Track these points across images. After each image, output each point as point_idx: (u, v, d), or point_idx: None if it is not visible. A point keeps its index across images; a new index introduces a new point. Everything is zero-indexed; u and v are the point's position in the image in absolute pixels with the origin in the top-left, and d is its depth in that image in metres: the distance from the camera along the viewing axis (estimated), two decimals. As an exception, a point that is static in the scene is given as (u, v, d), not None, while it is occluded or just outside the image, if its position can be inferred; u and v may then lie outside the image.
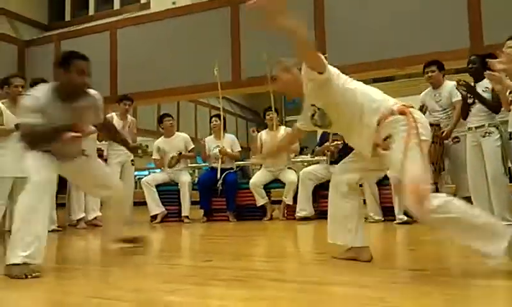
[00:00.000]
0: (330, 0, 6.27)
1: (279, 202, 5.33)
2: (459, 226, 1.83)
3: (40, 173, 2.26)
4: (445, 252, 2.84)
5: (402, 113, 1.98)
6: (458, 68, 5.01)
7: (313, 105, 2.21)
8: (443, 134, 4.23)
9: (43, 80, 4.61)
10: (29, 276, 2.07)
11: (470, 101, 3.79)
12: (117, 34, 7.79)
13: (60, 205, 5.03)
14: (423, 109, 4.59)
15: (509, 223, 3.48)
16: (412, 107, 2.08)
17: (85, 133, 2.41)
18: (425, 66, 4.49)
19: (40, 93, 2.37)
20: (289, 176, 5.11)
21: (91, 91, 2.52)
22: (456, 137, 4.27)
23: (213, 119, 5.68)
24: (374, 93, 2.13)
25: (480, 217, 1.88)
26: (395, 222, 4.21)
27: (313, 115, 2.23)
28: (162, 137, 5.68)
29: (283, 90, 2.35)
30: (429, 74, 4.44)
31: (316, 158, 5.91)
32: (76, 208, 4.86)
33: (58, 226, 4.63)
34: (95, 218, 4.99)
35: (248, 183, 5.31)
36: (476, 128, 3.74)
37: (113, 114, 5.40)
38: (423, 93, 4.65)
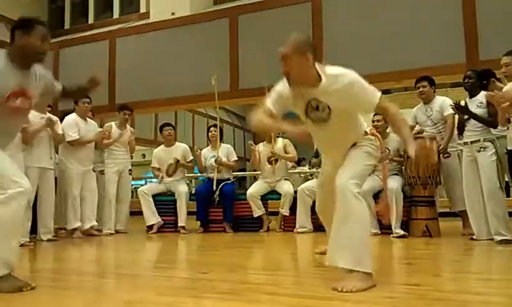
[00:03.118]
0: (328, 13, 6.33)
1: (276, 213, 5.32)
2: None
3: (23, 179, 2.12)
4: (442, 267, 2.84)
5: (372, 134, 2.30)
6: (454, 83, 5.06)
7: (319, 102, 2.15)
8: (440, 148, 4.27)
9: None
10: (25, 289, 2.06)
11: (465, 116, 3.83)
12: (116, 43, 7.82)
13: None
14: (413, 125, 4.64)
15: (504, 238, 3.49)
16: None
17: (32, 104, 2.21)
18: (417, 82, 4.58)
19: None
20: (285, 187, 5.12)
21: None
22: (447, 152, 4.31)
23: (211, 128, 5.70)
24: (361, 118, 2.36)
25: None
26: (391, 235, 4.21)
27: (317, 107, 2.17)
28: (162, 146, 5.69)
29: (290, 72, 2.12)
30: (421, 89, 4.52)
31: (313, 170, 5.93)
32: (72, 218, 4.83)
33: (53, 236, 4.60)
34: (91, 227, 4.97)
35: (245, 193, 5.31)
36: (471, 142, 3.77)
37: (112, 123, 5.42)
38: (415, 107, 4.72)
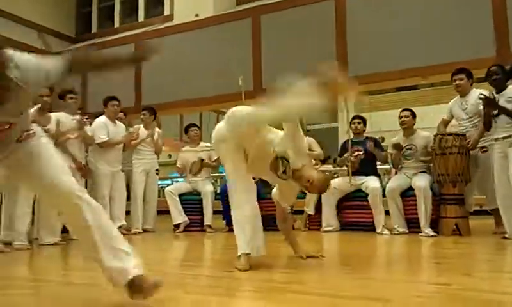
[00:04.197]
0: (352, 10, 6.26)
1: (301, 212, 5.31)
2: None
3: None
4: (472, 266, 2.78)
5: None
6: (483, 77, 4.91)
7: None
8: (469, 144, 4.15)
9: (70, 91, 4.77)
10: None
11: (494, 112, 3.72)
12: (141, 46, 7.95)
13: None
14: (448, 119, 4.54)
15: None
16: None
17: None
18: (454, 74, 4.43)
19: None
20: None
21: None
22: (484, 147, 4.16)
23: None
24: None
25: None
26: (420, 234, 4.14)
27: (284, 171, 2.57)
28: (188, 146, 5.77)
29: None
30: (457, 82, 4.37)
31: (338, 168, 5.89)
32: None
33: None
34: (120, 227, 5.08)
35: (270, 192, 5.30)
36: (503, 138, 3.66)
37: (141, 125, 5.57)
38: (451, 101, 4.58)
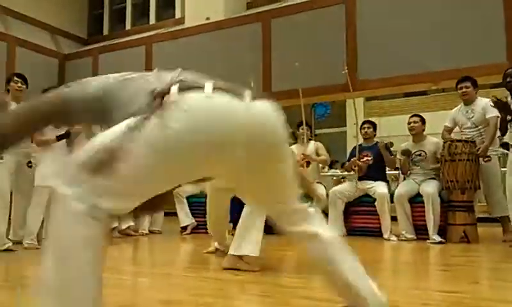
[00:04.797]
0: (362, 14, 6.25)
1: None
2: None
3: None
4: (480, 274, 2.76)
5: None
6: (494, 83, 4.87)
7: None
8: (479, 151, 4.13)
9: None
10: None
11: (509, 117, 3.69)
12: (152, 48, 8.01)
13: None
14: (451, 127, 4.53)
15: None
16: None
17: None
18: (459, 82, 4.42)
19: None
20: (318, 191, 5.08)
21: None
22: (488, 156, 4.15)
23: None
24: None
25: None
26: (428, 241, 4.12)
27: None
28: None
29: None
30: (464, 90, 4.36)
31: (345, 173, 5.88)
32: (110, 217, 4.99)
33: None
34: (128, 227, 5.12)
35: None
36: (517, 145, 3.64)
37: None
38: (454, 109, 4.58)
